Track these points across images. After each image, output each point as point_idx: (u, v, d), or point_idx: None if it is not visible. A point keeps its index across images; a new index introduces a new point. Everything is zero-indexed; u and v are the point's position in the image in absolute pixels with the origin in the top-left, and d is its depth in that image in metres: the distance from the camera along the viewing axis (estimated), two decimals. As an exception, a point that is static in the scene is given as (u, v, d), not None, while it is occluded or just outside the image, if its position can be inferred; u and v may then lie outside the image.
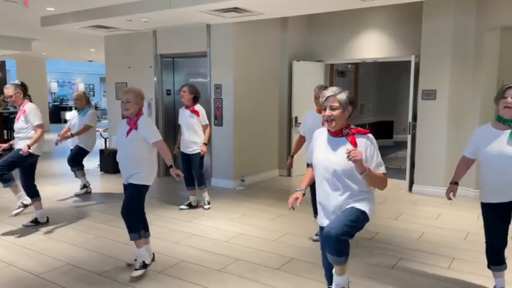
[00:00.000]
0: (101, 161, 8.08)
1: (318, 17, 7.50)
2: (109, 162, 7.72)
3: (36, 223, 4.80)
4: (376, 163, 2.49)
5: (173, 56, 7.42)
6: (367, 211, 2.54)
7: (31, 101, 4.64)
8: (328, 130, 2.55)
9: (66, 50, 12.49)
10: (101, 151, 8.08)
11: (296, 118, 7.45)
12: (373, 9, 6.59)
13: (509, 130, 2.86)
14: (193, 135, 5.28)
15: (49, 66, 16.05)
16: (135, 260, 3.64)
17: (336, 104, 2.44)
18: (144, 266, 3.57)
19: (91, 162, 7.98)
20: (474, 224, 4.89)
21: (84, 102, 6.09)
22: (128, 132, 3.53)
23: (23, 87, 4.61)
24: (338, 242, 2.44)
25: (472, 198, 6.00)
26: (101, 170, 8.02)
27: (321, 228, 2.69)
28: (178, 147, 5.43)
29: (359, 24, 7.21)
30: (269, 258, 3.93)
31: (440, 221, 5.10)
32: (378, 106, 11.27)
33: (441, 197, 6.04)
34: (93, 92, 22.50)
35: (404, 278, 3.52)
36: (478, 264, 3.58)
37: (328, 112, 2.45)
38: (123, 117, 3.71)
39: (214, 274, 3.59)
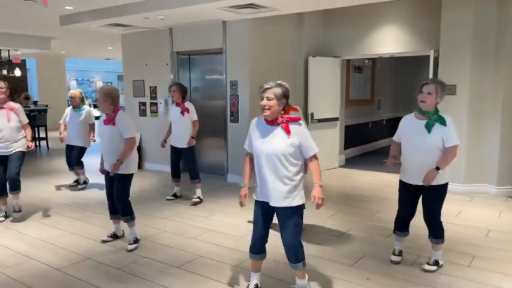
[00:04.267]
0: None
1: (334, 12, 7.41)
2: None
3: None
4: (308, 148, 2.84)
5: (189, 53, 7.45)
6: (302, 202, 2.87)
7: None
8: (265, 120, 2.91)
9: (84, 49, 12.66)
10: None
11: (312, 114, 7.39)
12: (390, 3, 6.47)
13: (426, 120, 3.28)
14: (185, 131, 5.54)
15: (68, 64, 16.30)
16: (114, 235, 4.31)
17: (271, 96, 2.85)
18: (137, 241, 4.12)
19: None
20: (495, 221, 4.79)
21: (78, 100, 6.48)
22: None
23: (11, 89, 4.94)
24: (296, 251, 2.90)
25: (493, 195, 5.88)
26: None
27: (256, 201, 2.96)
28: (165, 141, 5.76)
29: (376, 19, 7.11)
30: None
31: (460, 218, 5.01)
32: (396, 102, 11.09)
33: (461, 194, 5.94)
34: (111, 89, 22.80)
35: (424, 276, 3.47)
36: (499, 262, 3.51)
37: (264, 102, 2.87)
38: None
39: (231, 270, 3.60)
